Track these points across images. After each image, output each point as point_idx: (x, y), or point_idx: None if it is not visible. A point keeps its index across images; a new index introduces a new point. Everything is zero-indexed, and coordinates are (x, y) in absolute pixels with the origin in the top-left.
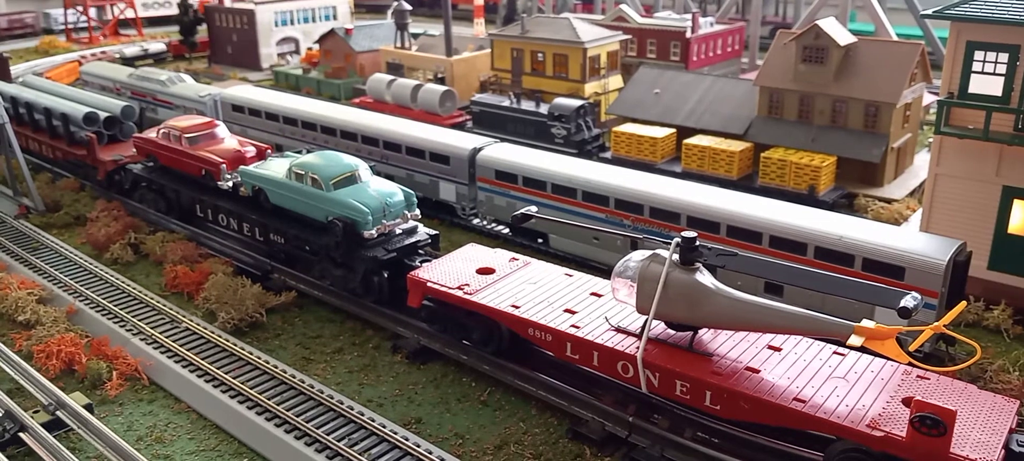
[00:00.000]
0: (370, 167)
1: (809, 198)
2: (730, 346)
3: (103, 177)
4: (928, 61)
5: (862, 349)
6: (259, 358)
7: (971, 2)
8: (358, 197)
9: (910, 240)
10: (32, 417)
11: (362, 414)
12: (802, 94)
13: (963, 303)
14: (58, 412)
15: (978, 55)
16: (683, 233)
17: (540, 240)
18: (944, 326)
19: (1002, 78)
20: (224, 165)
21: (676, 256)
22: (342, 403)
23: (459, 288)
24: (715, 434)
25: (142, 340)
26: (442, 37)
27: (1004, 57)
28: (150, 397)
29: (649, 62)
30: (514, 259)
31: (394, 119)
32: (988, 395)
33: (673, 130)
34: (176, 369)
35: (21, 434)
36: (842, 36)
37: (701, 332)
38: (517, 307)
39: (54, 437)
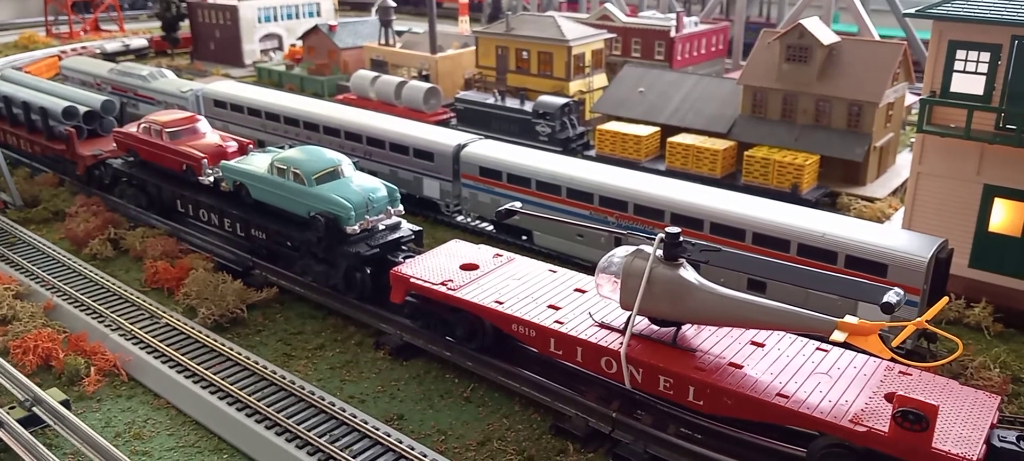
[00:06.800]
0: (353, 163)
1: (792, 196)
2: (713, 342)
3: (83, 172)
4: (910, 61)
5: (845, 345)
6: (240, 354)
7: (953, 1)
8: (341, 192)
9: (893, 237)
10: (8, 413)
11: (344, 410)
12: (786, 93)
13: (945, 299)
14: (34, 408)
15: (960, 54)
16: (667, 229)
17: (524, 237)
18: (926, 322)
19: (983, 77)
20: (205, 160)
21: (660, 252)
22: (324, 399)
23: (442, 284)
24: (698, 430)
25: (121, 336)
26: (427, 34)
27: (986, 56)
28: (129, 393)
29: (634, 61)
30: (498, 255)
31: (378, 115)
32: (970, 390)
33: (657, 128)
34: (155, 365)
35: None
36: (826, 35)
37: (685, 328)
38: (501, 303)
39: (30, 433)
